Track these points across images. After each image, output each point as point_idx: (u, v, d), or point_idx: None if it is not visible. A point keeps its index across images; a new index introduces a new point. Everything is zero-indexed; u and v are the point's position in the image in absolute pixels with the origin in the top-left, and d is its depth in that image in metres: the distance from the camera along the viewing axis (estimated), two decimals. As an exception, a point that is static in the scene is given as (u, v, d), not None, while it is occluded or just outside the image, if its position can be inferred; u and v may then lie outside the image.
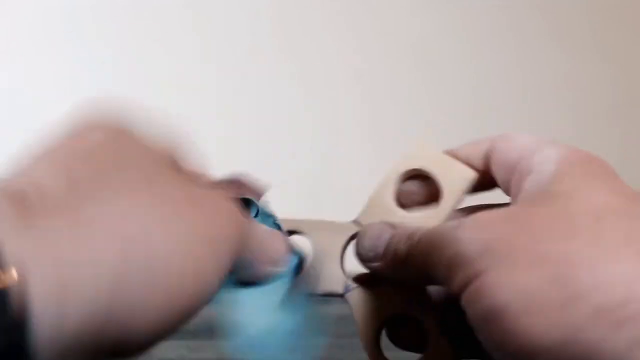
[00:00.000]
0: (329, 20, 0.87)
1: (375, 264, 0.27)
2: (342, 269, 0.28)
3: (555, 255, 0.21)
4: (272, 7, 0.85)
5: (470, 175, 0.27)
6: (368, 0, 0.87)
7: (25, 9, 0.82)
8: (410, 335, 0.28)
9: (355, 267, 0.28)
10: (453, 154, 0.28)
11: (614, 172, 0.24)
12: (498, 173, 0.27)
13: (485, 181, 0.28)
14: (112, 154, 0.20)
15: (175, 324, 0.20)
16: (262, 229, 0.25)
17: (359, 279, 0.28)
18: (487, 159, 0.27)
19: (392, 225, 0.27)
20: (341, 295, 0.28)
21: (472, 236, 0.22)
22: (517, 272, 0.21)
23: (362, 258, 0.27)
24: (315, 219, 0.29)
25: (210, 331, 0.51)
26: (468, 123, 0.86)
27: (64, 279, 0.17)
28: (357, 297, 0.28)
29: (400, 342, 0.28)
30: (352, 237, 0.28)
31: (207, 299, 0.21)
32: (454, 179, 0.27)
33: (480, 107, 0.88)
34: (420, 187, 0.28)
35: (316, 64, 0.86)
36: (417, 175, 0.28)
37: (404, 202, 0.28)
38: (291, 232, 0.28)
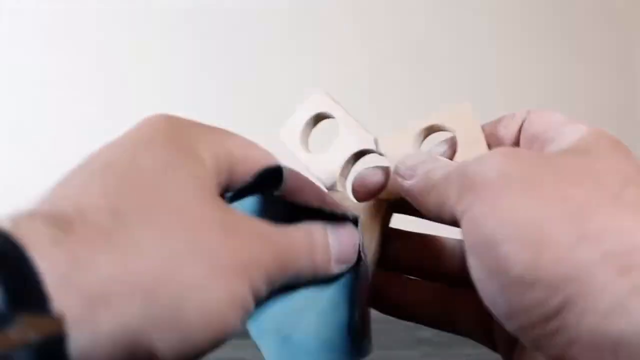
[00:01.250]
0: (332, 20, 0.88)
1: (406, 182, 0.26)
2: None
3: (577, 196, 0.20)
4: (277, 7, 0.85)
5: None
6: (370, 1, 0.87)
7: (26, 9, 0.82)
8: None
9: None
10: (493, 128, 0.27)
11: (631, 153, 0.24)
12: (523, 144, 0.26)
13: None
14: (154, 174, 0.21)
15: (199, 351, 0.21)
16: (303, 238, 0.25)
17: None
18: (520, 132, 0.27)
19: (440, 159, 0.26)
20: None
21: (491, 161, 0.22)
22: (534, 201, 0.20)
23: (397, 172, 0.26)
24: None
25: None
26: None
27: (98, 292, 0.18)
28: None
29: None
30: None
31: (230, 327, 0.21)
32: None
33: (480, 107, 0.88)
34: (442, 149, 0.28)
35: (316, 65, 0.87)
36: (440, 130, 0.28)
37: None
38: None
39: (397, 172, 0.26)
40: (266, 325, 0.26)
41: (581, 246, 0.19)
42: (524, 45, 0.89)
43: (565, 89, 0.89)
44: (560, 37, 0.89)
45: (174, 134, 0.22)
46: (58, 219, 0.18)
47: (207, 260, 0.20)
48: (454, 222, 0.23)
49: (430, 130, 0.28)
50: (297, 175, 0.25)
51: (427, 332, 0.48)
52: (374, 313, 0.58)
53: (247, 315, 0.22)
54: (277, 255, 0.23)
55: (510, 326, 0.21)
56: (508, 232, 0.20)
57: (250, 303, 0.21)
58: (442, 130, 0.28)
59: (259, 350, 0.45)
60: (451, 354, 0.45)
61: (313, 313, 0.26)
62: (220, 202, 0.22)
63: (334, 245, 0.25)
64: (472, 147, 0.27)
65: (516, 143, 0.27)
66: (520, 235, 0.20)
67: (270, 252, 0.22)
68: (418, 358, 0.45)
